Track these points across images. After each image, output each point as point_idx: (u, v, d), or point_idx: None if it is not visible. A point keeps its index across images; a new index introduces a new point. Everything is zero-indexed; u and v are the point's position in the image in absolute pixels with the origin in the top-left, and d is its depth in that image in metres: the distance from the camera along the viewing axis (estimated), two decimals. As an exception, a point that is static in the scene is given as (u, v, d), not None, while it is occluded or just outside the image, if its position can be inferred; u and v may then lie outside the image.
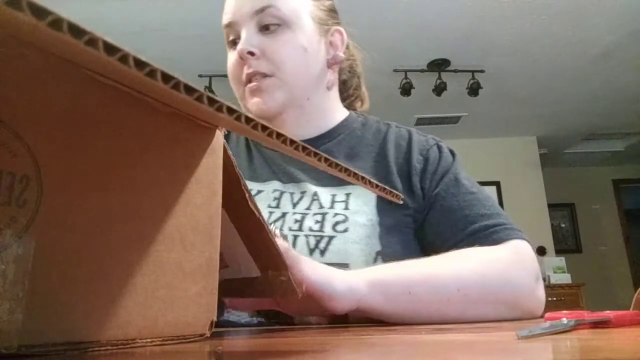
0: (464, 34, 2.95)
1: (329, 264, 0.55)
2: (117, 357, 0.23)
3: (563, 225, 5.57)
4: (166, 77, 0.18)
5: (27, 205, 0.22)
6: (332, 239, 0.61)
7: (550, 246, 4.50)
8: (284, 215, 0.64)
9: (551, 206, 4.68)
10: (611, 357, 0.19)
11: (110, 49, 0.16)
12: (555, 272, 4.23)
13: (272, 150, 0.72)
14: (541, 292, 0.59)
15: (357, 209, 0.64)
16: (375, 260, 0.61)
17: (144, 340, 0.27)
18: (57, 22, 0.14)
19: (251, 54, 0.66)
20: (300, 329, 0.50)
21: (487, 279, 0.55)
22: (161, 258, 0.28)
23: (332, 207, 0.64)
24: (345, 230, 0.61)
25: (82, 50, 0.16)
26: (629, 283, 5.23)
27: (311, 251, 0.60)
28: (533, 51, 3.19)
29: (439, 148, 0.70)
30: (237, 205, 0.36)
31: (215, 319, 0.32)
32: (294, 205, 0.66)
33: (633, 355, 0.19)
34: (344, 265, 0.59)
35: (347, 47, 0.77)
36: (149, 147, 0.28)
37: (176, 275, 0.29)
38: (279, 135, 0.23)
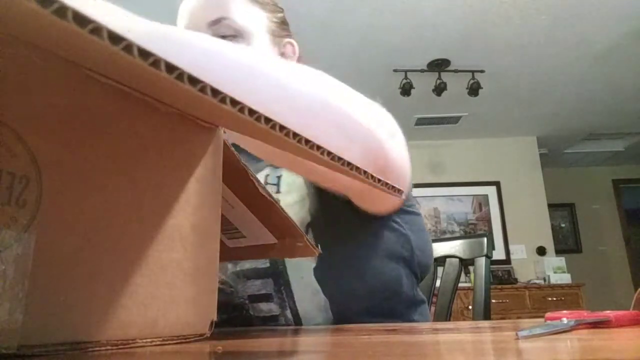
0: (464, 34, 2.95)
1: None
2: (117, 357, 0.23)
3: (563, 225, 5.56)
4: (170, 68, 0.18)
5: (27, 205, 0.22)
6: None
7: (550, 246, 4.50)
8: None
9: (551, 206, 4.68)
10: (611, 357, 0.19)
11: (115, 38, 0.16)
12: (555, 272, 4.23)
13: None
14: (395, 145, 0.51)
15: (288, 189, 0.64)
16: (307, 232, 0.62)
17: (144, 340, 0.27)
18: (61, 10, 0.14)
19: None
20: (300, 329, 0.50)
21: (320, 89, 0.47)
22: (161, 258, 0.28)
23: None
24: None
25: (86, 40, 0.16)
26: (629, 283, 5.23)
27: None
28: (533, 51, 3.19)
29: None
30: (247, 192, 0.39)
31: (215, 318, 0.32)
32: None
33: (633, 355, 0.19)
34: (314, 245, 0.60)
35: (299, 59, 0.78)
36: (149, 147, 0.28)
37: (176, 275, 0.29)
38: (281, 128, 0.23)
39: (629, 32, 2.99)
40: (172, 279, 0.29)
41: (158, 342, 0.28)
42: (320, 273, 0.61)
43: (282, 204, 0.63)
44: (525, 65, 3.37)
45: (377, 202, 0.56)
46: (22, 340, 0.21)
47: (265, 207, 0.41)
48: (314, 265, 0.61)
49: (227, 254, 0.47)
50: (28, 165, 0.23)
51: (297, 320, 0.60)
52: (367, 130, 0.48)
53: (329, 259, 0.61)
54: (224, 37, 0.67)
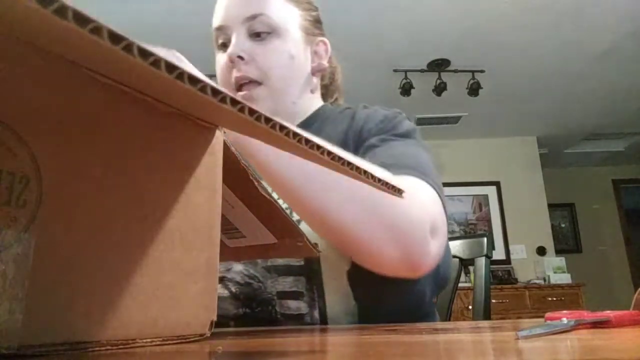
0: (464, 34, 2.95)
1: None
2: (117, 357, 0.23)
3: (563, 225, 5.56)
4: (170, 67, 0.18)
5: (27, 205, 0.22)
6: (300, 222, 0.61)
7: (550, 246, 4.50)
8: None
9: (551, 206, 4.68)
10: (611, 357, 0.19)
11: (115, 37, 0.16)
12: (555, 272, 4.23)
13: None
14: (433, 247, 0.53)
15: None
16: None
17: (144, 340, 0.27)
18: (62, 10, 0.14)
19: (241, 58, 0.67)
20: (300, 329, 0.50)
21: (398, 205, 0.50)
22: (161, 258, 0.28)
23: None
24: None
25: (86, 40, 0.16)
26: (629, 283, 5.23)
27: None
28: (533, 51, 3.19)
29: (399, 115, 0.70)
30: (247, 192, 0.39)
31: (215, 319, 0.32)
32: (268, 194, 0.67)
33: (633, 355, 0.19)
34: (314, 245, 0.60)
35: (330, 58, 0.80)
36: (149, 147, 0.28)
37: (176, 275, 0.29)
38: (282, 127, 0.23)
39: (629, 32, 2.99)
40: (172, 279, 0.29)
41: (158, 342, 0.28)
42: (353, 277, 0.60)
43: None
44: (525, 65, 3.37)
45: (378, 263, 0.54)
46: (22, 340, 0.21)
47: (265, 207, 0.41)
48: (347, 268, 0.60)
49: (227, 254, 0.47)
50: (28, 165, 0.23)
51: (324, 320, 0.60)
52: (411, 232, 0.51)
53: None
54: (258, 33, 0.69)
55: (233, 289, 0.61)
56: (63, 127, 0.24)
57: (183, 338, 0.30)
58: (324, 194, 0.50)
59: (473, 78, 3.40)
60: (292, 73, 0.71)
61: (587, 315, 0.34)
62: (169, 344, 0.28)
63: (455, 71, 3.35)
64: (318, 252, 0.44)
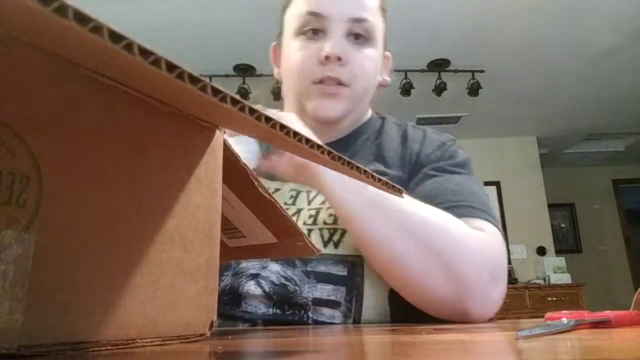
0: (464, 34, 2.95)
1: (342, 257, 0.59)
2: (117, 357, 0.23)
3: (563, 225, 5.56)
4: (171, 66, 0.18)
5: (27, 205, 0.22)
6: (346, 232, 0.61)
7: (550, 246, 4.50)
8: (299, 211, 0.65)
9: (551, 206, 4.68)
10: (611, 357, 0.19)
11: (115, 36, 0.16)
12: (555, 272, 4.23)
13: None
14: (495, 294, 0.54)
15: None
16: None
17: (144, 340, 0.27)
18: (62, 9, 0.14)
19: (339, 59, 0.66)
20: (301, 329, 0.50)
21: (453, 242, 0.53)
22: (161, 258, 0.28)
23: None
24: None
25: (87, 39, 0.16)
26: (629, 283, 5.23)
27: (325, 244, 0.61)
28: (533, 51, 3.19)
29: (453, 144, 0.71)
30: (247, 191, 0.39)
31: (215, 318, 0.32)
32: (309, 202, 0.67)
33: (633, 355, 0.19)
34: (358, 257, 0.59)
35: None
36: (149, 147, 0.28)
37: (176, 275, 0.29)
38: (282, 127, 0.23)
39: (629, 32, 2.99)
40: (172, 279, 0.29)
41: (158, 342, 0.28)
42: (394, 297, 0.59)
43: None
44: (525, 65, 3.37)
45: (430, 301, 0.54)
46: (22, 340, 0.21)
47: (265, 207, 0.41)
48: (390, 287, 0.59)
49: (227, 254, 0.47)
50: (28, 165, 0.23)
51: None
52: (471, 277, 0.52)
53: None
54: (357, 36, 0.68)
55: (267, 288, 0.60)
56: (63, 127, 0.24)
57: (183, 338, 0.30)
58: (386, 226, 0.53)
59: (473, 78, 3.40)
60: (371, 83, 0.72)
61: (587, 315, 0.34)
62: (169, 344, 0.28)
63: (455, 71, 3.35)
64: (318, 252, 0.44)
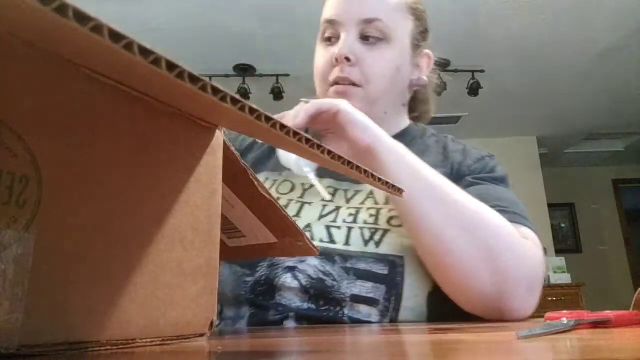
0: (464, 34, 2.95)
1: (384, 256, 0.59)
2: (117, 357, 0.23)
3: (563, 225, 5.56)
4: (171, 66, 0.18)
5: (27, 205, 0.22)
6: (387, 232, 0.61)
7: (550, 246, 4.50)
8: (337, 209, 0.66)
9: (551, 206, 4.68)
10: (611, 357, 0.19)
11: (116, 36, 0.16)
12: (555, 272, 4.23)
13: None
14: (532, 300, 0.55)
15: None
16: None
17: (144, 340, 0.27)
18: (62, 8, 0.14)
19: (348, 59, 0.67)
20: (301, 330, 0.50)
21: (501, 237, 0.54)
22: (161, 258, 0.28)
23: (387, 203, 0.65)
24: (400, 225, 0.61)
25: (87, 38, 0.16)
26: (629, 283, 5.23)
27: (366, 242, 0.61)
28: (533, 51, 3.19)
29: (492, 159, 0.73)
30: (247, 191, 0.39)
31: (215, 318, 0.32)
32: (348, 200, 0.67)
33: (633, 355, 0.19)
34: (399, 258, 0.59)
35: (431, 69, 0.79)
36: (149, 147, 0.28)
37: (176, 275, 0.29)
38: (282, 127, 0.23)
39: (629, 32, 2.99)
40: (172, 279, 0.29)
41: (158, 342, 0.28)
42: (432, 299, 0.60)
43: None
44: (525, 65, 3.37)
45: (468, 290, 0.55)
46: (22, 340, 0.21)
47: (265, 207, 0.41)
48: (429, 290, 0.60)
49: (227, 254, 0.47)
50: (28, 165, 0.23)
51: None
52: (513, 273, 0.54)
53: None
54: (368, 37, 0.68)
55: (303, 282, 0.59)
56: (63, 127, 0.24)
57: (183, 338, 0.30)
58: (437, 211, 0.54)
59: (473, 78, 3.40)
60: (392, 84, 0.71)
61: (587, 315, 0.34)
62: (169, 344, 0.28)
63: (455, 71, 3.35)
64: (318, 252, 0.44)
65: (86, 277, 0.24)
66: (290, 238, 0.43)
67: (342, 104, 0.58)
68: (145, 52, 0.17)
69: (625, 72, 3.50)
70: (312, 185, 0.69)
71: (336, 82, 0.68)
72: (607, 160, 5.52)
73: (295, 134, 0.24)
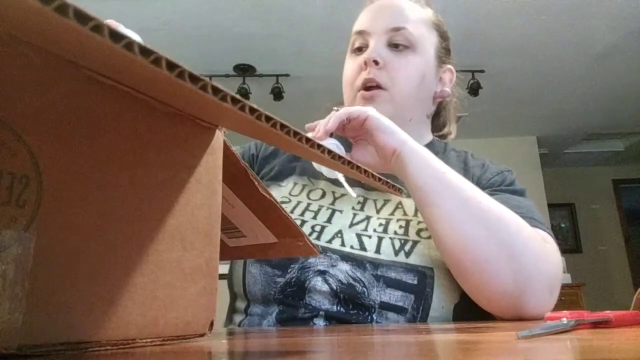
0: (464, 34, 2.95)
1: (414, 266, 0.60)
2: (117, 357, 0.23)
3: (563, 225, 5.56)
4: (171, 66, 0.18)
5: (27, 205, 0.22)
6: (417, 244, 0.63)
7: (550, 246, 4.49)
8: (367, 218, 0.67)
9: (551, 206, 4.68)
10: (611, 357, 0.19)
11: (116, 36, 0.16)
12: (555, 272, 4.23)
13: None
14: (551, 300, 0.56)
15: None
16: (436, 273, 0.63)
17: (144, 340, 0.27)
18: (63, 8, 0.14)
19: (376, 62, 0.70)
20: (300, 329, 0.50)
21: (522, 237, 0.55)
22: (161, 258, 0.28)
23: (415, 214, 0.67)
24: (429, 237, 0.63)
25: (87, 38, 0.16)
26: (629, 283, 5.23)
27: (396, 252, 0.62)
28: (533, 51, 3.19)
29: (511, 174, 0.74)
30: (247, 191, 0.40)
31: (215, 318, 0.32)
32: (378, 210, 0.69)
33: (633, 355, 0.19)
34: (428, 269, 0.61)
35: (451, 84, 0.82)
36: (149, 147, 0.28)
37: (176, 275, 0.29)
38: (282, 126, 0.23)
39: (629, 32, 2.99)
40: (172, 279, 0.29)
41: (158, 342, 0.28)
42: (461, 310, 0.61)
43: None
44: (525, 65, 3.37)
45: (490, 290, 0.56)
46: (22, 340, 0.21)
47: (265, 207, 0.41)
48: (457, 300, 0.61)
49: (227, 254, 0.47)
50: (28, 165, 0.23)
51: None
52: (536, 274, 0.55)
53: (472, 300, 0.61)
54: (397, 45, 0.72)
55: (334, 286, 0.60)
56: (63, 127, 0.24)
57: (183, 338, 0.30)
58: (460, 211, 0.56)
59: (473, 78, 3.40)
60: (417, 90, 0.73)
61: (587, 315, 0.34)
62: (169, 344, 0.28)
63: (455, 71, 3.35)
64: (319, 251, 0.44)
65: (86, 277, 0.24)
66: (291, 238, 0.43)
67: (371, 111, 0.61)
68: (145, 51, 0.17)
69: (625, 72, 3.50)
70: (343, 194, 0.71)
71: (363, 85, 0.71)
72: (607, 160, 5.52)
73: (296, 133, 0.24)
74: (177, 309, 0.29)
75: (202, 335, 0.31)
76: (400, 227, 0.65)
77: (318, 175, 0.73)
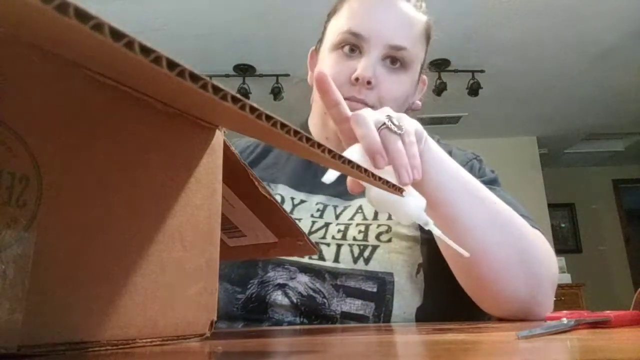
0: (464, 34, 2.95)
1: (373, 273, 0.59)
2: (117, 357, 0.23)
3: (563, 225, 5.56)
4: (171, 64, 0.18)
5: (27, 205, 0.22)
6: (376, 248, 0.62)
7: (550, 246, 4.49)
8: (326, 225, 0.66)
9: (551, 206, 4.68)
10: (611, 357, 0.19)
11: (117, 34, 0.16)
12: (555, 272, 4.23)
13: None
14: (552, 300, 0.56)
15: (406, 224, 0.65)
16: (418, 272, 0.62)
17: (144, 340, 0.27)
18: (63, 6, 0.14)
19: (368, 83, 0.66)
20: (300, 330, 0.50)
21: (530, 239, 0.55)
22: (161, 258, 0.28)
23: (375, 218, 0.66)
24: (389, 241, 0.62)
25: (88, 37, 0.16)
26: (629, 283, 5.23)
27: (355, 260, 0.61)
28: (533, 51, 3.19)
29: (479, 161, 0.72)
30: (248, 191, 0.39)
31: (215, 318, 0.32)
32: (337, 216, 0.68)
33: (633, 355, 0.19)
34: (388, 274, 0.60)
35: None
36: (149, 147, 0.28)
37: (176, 275, 0.29)
38: (283, 125, 0.23)
39: (629, 32, 2.99)
40: (172, 279, 0.29)
41: (158, 342, 0.28)
42: (423, 313, 0.60)
43: (394, 233, 0.64)
44: (525, 65, 3.37)
45: (501, 294, 0.55)
46: (22, 340, 0.21)
47: (265, 207, 0.41)
48: (419, 304, 0.61)
49: (227, 253, 0.47)
50: (28, 165, 0.23)
51: None
52: (545, 281, 0.55)
53: (437, 300, 0.61)
54: (391, 61, 0.68)
55: (294, 299, 0.60)
56: (63, 127, 0.24)
57: (183, 338, 0.30)
58: (477, 214, 0.54)
59: (473, 78, 3.40)
60: (399, 109, 0.71)
61: (587, 315, 0.34)
62: (169, 344, 0.28)
63: (455, 71, 3.35)
64: (317, 251, 0.44)
65: (86, 277, 0.24)
66: (291, 238, 0.43)
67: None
68: (145, 50, 0.17)
69: (625, 72, 3.49)
70: (302, 201, 0.69)
71: (349, 99, 0.67)
72: (607, 160, 5.52)
73: (296, 132, 0.24)
74: (177, 309, 0.29)
75: (202, 335, 0.31)
76: (360, 232, 0.64)
77: (276, 180, 0.72)
